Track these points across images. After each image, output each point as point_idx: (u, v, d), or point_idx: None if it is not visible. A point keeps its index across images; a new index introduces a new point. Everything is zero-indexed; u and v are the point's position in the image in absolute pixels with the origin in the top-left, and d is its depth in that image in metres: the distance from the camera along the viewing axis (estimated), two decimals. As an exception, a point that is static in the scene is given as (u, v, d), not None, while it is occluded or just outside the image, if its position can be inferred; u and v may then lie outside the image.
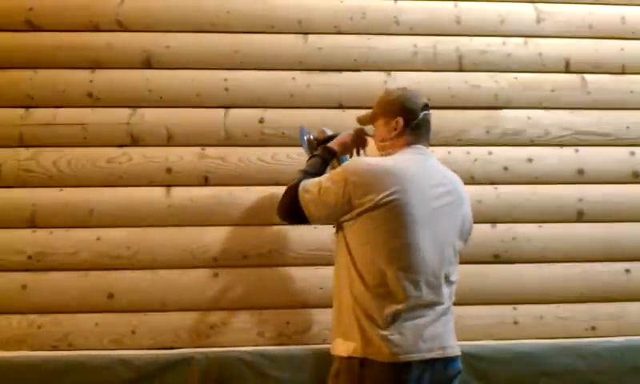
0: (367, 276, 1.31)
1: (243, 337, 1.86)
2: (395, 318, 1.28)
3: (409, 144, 1.44)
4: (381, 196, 1.29)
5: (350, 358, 1.30)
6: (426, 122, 1.47)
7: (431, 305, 1.33)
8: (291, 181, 1.48)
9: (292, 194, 1.44)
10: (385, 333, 1.28)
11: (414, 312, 1.30)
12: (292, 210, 1.45)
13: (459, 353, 1.37)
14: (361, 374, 1.28)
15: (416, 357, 1.27)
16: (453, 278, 1.40)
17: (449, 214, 1.39)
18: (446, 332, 1.35)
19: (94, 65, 1.94)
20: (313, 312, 1.88)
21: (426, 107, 1.48)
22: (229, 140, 1.94)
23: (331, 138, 1.65)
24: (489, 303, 1.94)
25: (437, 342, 1.31)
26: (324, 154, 1.57)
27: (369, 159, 1.48)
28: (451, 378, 1.34)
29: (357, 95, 1.99)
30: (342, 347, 1.33)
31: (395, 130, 1.45)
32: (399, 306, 1.29)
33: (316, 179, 1.43)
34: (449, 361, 1.33)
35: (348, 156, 1.65)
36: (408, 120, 1.45)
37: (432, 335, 1.30)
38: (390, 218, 1.30)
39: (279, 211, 1.51)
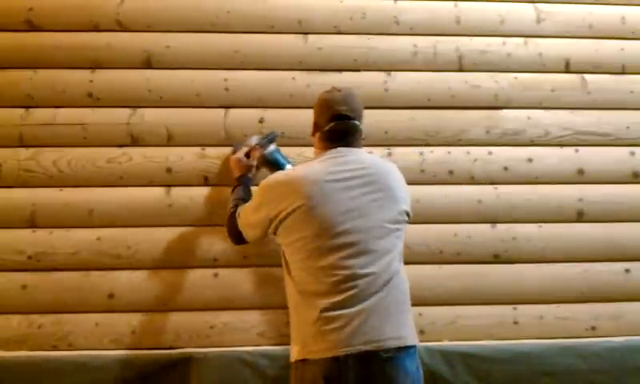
0: (297, 279, 1.40)
1: (243, 337, 1.86)
2: (324, 316, 1.32)
3: (326, 148, 1.49)
4: (289, 206, 1.39)
5: (296, 361, 1.38)
6: (338, 132, 1.49)
7: (364, 298, 1.32)
8: (227, 210, 1.66)
9: (231, 222, 1.62)
10: (316, 330, 1.32)
11: (345, 308, 1.32)
12: (237, 236, 1.61)
13: (401, 344, 1.33)
14: (303, 375, 1.35)
15: (350, 351, 1.29)
16: (391, 267, 1.37)
17: (371, 202, 1.39)
18: (385, 323, 1.32)
19: (94, 65, 1.94)
20: (313, 312, 1.88)
21: (340, 117, 1.48)
22: (229, 140, 1.94)
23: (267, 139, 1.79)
24: (489, 303, 1.94)
25: (372, 335, 1.30)
26: (241, 181, 1.75)
27: (280, 173, 1.56)
28: (391, 373, 1.31)
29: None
30: (292, 352, 1.41)
31: (313, 134, 1.56)
32: (328, 304, 1.32)
33: (247, 204, 1.56)
34: (387, 354, 1.31)
35: (275, 149, 1.79)
36: (319, 127, 1.52)
37: (367, 328, 1.30)
38: (301, 223, 1.38)
39: (230, 239, 1.68)
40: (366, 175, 1.43)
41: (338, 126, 1.48)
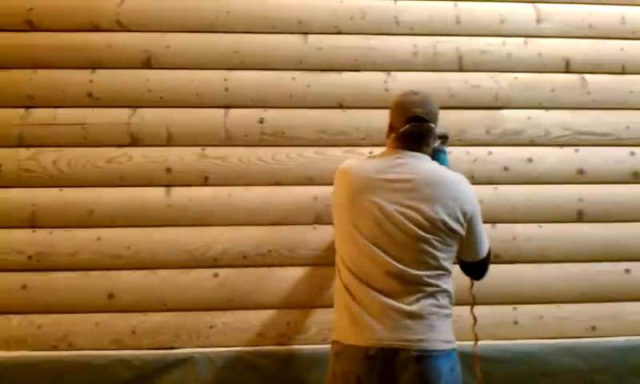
0: (341, 266, 1.45)
1: (243, 337, 1.86)
2: (357, 307, 1.36)
3: (395, 148, 1.50)
4: (340, 195, 1.47)
5: (332, 342, 1.43)
6: (411, 134, 1.48)
7: (395, 296, 1.36)
8: None
9: None
10: (351, 317, 1.37)
11: (376, 303, 1.35)
12: None
13: (433, 347, 1.34)
14: (334, 365, 1.39)
15: (377, 344, 1.32)
16: (425, 275, 1.38)
17: (404, 208, 1.39)
18: (417, 326, 1.34)
19: (94, 65, 1.94)
20: (313, 312, 1.88)
21: (415, 119, 1.48)
22: (229, 140, 1.94)
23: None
24: (489, 303, 1.94)
25: (404, 334, 1.33)
26: None
27: (345, 161, 1.55)
28: (423, 371, 1.32)
29: (357, 95, 1.99)
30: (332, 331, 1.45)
31: (387, 136, 1.55)
32: (359, 292, 1.37)
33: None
34: (417, 353, 1.32)
35: (443, 149, 1.75)
36: (395, 129, 1.52)
37: (399, 326, 1.33)
38: (340, 214, 1.46)
39: None
40: (412, 181, 1.42)
41: (414, 128, 1.48)
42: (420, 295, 1.36)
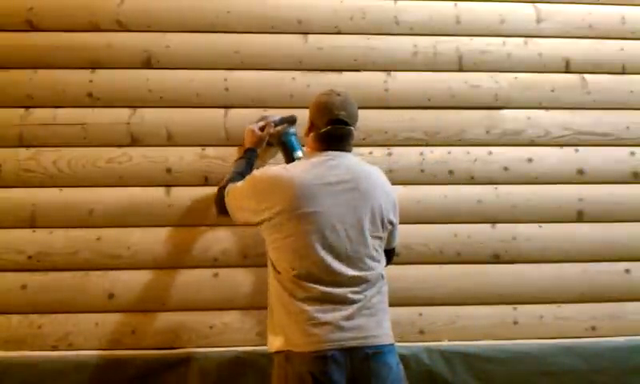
0: (282, 273, 1.42)
1: (243, 337, 1.86)
2: (311, 314, 1.36)
3: (320, 149, 1.52)
4: (275, 206, 1.43)
5: (277, 352, 1.41)
6: (334, 136, 1.50)
7: (345, 299, 1.37)
8: (221, 180, 1.69)
9: (220, 195, 1.64)
10: (302, 325, 1.36)
11: (327, 305, 1.36)
12: (221, 208, 1.65)
13: (384, 342, 1.38)
14: (286, 368, 1.37)
15: (335, 346, 1.33)
16: (373, 271, 1.42)
17: (352, 209, 1.42)
18: (369, 322, 1.37)
19: (94, 65, 1.94)
20: (313, 312, 1.88)
21: (337, 122, 1.49)
22: (229, 140, 1.94)
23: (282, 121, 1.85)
24: (489, 303, 1.94)
25: (358, 332, 1.35)
26: (246, 155, 1.77)
27: (274, 169, 1.55)
28: (376, 368, 1.35)
29: (357, 95, 1.96)
30: (272, 344, 1.44)
31: (307, 134, 1.57)
32: (314, 303, 1.36)
33: (239, 183, 1.58)
34: (371, 350, 1.35)
35: (292, 132, 1.84)
36: (316, 128, 1.53)
37: (353, 325, 1.35)
38: (286, 224, 1.42)
39: (215, 208, 1.71)
40: (351, 180, 1.46)
41: (336, 131, 1.50)
42: (368, 290, 1.40)
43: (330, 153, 1.49)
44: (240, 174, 1.66)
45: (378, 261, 1.46)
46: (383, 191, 1.51)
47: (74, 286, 1.84)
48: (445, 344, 1.86)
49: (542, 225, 1.99)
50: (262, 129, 1.82)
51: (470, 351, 1.83)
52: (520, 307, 1.95)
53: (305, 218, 1.40)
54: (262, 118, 1.87)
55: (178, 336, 1.84)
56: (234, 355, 1.81)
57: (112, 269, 1.86)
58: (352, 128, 1.53)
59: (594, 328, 1.95)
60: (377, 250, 1.46)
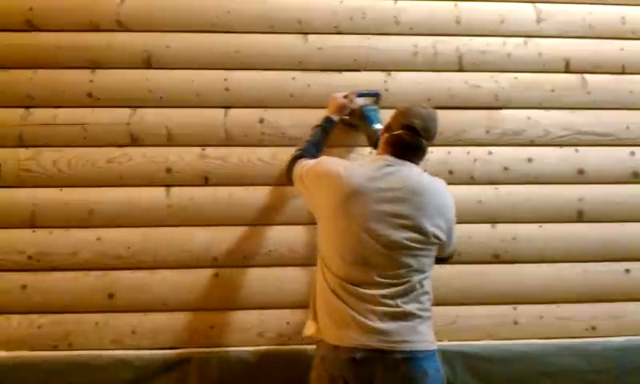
0: (325, 268, 1.46)
1: (243, 337, 1.86)
2: (344, 308, 1.39)
3: (386, 152, 1.53)
4: (324, 202, 1.48)
5: (315, 344, 1.48)
6: (402, 141, 1.50)
7: (378, 302, 1.38)
8: (295, 151, 1.73)
9: (290, 165, 1.70)
10: (334, 320, 1.40)
11: (362, 306, 1.38)
12: (290, 181, 1.70)
13: (418, 348, 1.38)
14: (319, 370, 1.43)
15: (362, 345, 1.35)
16: (403, 282, 1.41)
17: (395, 218, 1.42)
18: (400, 328, 1.37)
19: (94, 65, 1.94)
20: (313, 312, 1.88)
21: (411, 129, 1.49)
22: (229, 140, 1.94)
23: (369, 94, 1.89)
24: (489, 303, 1.94)
25: (388, 336, 1.36)
26: (323, 123, 1.79)
27: (331, 163, 1.55)
28: (409, 373, 1.36)
29: (357, 95, 1.99)
30: (309, 326, 1.50)
31: (382, 134, 1.58)
32: (349, 298, 1.39)
33: (308, 164, 1.60)
34: (403, 355, 1.35)
35: (373, 108, 1.86)
36: (390, 130, 1.54)
37: (382, 329, 1.36)
38: (330, 221, 1.46)
39: (286, 178, 1.76)
40: (401, 190, 1.44)
41: (406, 136, 1.50)
42: (405, 298, 1.40)
43: (392, 159, 1.50)
44: (313, 144, 1.73)
45: (416, 270, 1.43)
46: (436, 207, 1.47)
47: (74, 286, 1.84)
48: (445, 344, 1.86)
49: (542, 225, 1.99)
50: (345, 98, 1.84)
51: (470, 351, 1.83)
52: (520, 307, 1.95)
53: (347, 219, 1.42)
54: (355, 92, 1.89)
55: (177, 336, 1.84)
56: (234, 355, 1.81)
57: (112, 269, 1.86)
58: (423, 141, 1.52)
59: (594, 328, 1.95)
60: (416, 260, 1.43)
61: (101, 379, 1.76)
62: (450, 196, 1.54)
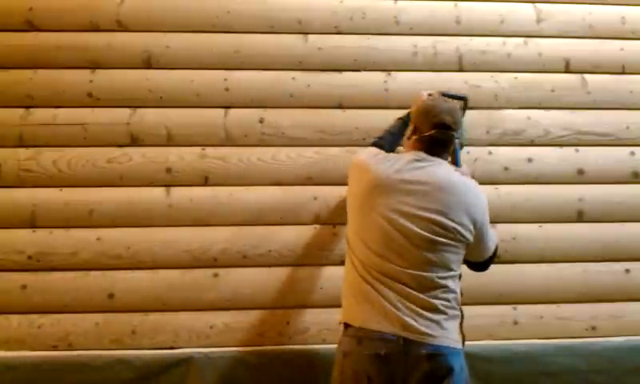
0: (354, 258, 1.46)
1: (243, 337, 1.86)
2: (369, 294, 1.39)
3: (416, 149, 1.52)
4: (354, 191, 1.51)
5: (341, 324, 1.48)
6: (436, 140, 1.51)
7: (401, 292, 1.38)
8: (373, 138, 1.77)
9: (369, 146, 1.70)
10: (361, 306, 1.40)
11: (386, 294, 1.38)
12: None
13: (442, 343, 1.36)
14: (343, 365, 1.40)
15: (384, 330, 1.35)
16: (425, 276, 1.40)
17: (418, 211, 1.41)
18: (429, 325, 1.37)
19: (94, 65, 1.94)
20: (313, 312, 1.88)
21: (442, 126, 1.50)
22: (229, 140, 1.94)
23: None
24: (489, 303, 1.94)
25: (413, 329, 1.35)
26: (405, 117, 1.77)
27: (367, 154, 1.57)
28: (434, 368, 1.34)
29: (357, 95, 1.99)
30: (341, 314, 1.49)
31: (409, 137, 1.58)
32: (375, 285, 1.39)
33: (361, 153, 1.62)
34: (428, 349, 1.34)
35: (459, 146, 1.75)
36: (418, 131, 1.54)
37: (408, 322, 1.35)
38: (357, 210, 1.48)
39: None
40: (427, 184, 1.44)
41: (439, 135, 1.51)
42: (430, 296, 1.39)
43: (422, 155, 1.50)
44: (390, 133, 1.74)
45: (439, 266, 1.42)
46: (462, 204, 1.45)
47: (74, 286, 1.84)
48: (445, 344, 1.86)
49: (542, 225, 1.99)
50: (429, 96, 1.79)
51: (470, 351, 1.83)
52: (520, 307, 1.95)
53: (372, 209, 1.43)
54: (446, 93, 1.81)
55: (178, 336, 1.84)
56: (234, 355, 1.81)
57: (112, 269, 1.86)
58: (454, 134, 1.53)
59: (594, 328, 1.95)
60: (438, 255, 1.41)
61: (101, 379, 1.76)
62: (482, 196, 1.52)
